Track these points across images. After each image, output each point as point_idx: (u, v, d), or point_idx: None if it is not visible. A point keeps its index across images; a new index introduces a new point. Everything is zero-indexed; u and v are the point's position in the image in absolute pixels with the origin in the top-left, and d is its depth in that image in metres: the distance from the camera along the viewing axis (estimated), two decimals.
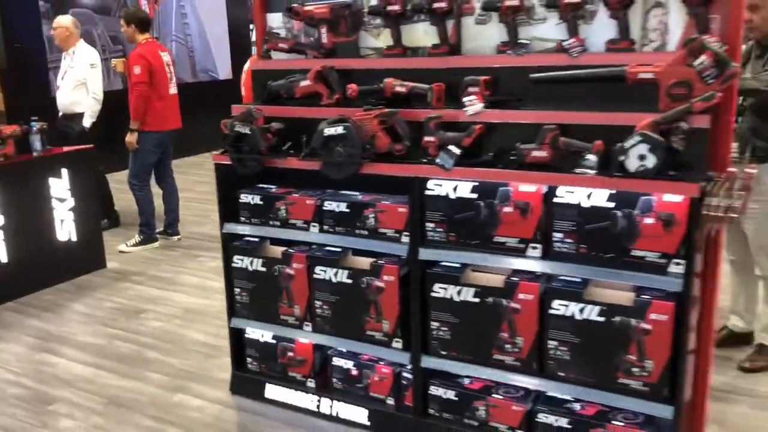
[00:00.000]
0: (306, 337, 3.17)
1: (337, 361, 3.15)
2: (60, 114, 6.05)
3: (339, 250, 3.06)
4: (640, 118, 2.33)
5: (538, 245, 2.57)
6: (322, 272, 3.02)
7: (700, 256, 2.47)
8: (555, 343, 2.59)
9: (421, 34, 2.98)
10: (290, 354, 3.23)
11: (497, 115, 2.63)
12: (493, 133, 2.66)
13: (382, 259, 2.90)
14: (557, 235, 2.54)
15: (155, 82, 5.57)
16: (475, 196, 2.64)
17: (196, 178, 8.27)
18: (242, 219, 3.20)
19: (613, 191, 2.41)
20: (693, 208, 2.27)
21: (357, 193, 3.00)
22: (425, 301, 2.80)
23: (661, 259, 2.37)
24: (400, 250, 2.82)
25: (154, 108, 5.61)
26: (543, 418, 2.68)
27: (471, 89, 2.70)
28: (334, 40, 3.11)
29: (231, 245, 3.26)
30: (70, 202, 5.02)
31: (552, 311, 2.57)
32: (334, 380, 3.17)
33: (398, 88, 2.85)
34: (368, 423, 3.05)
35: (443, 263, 2.80)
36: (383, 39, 3.07)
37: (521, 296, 2.61)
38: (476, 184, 2.63)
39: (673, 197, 2.31)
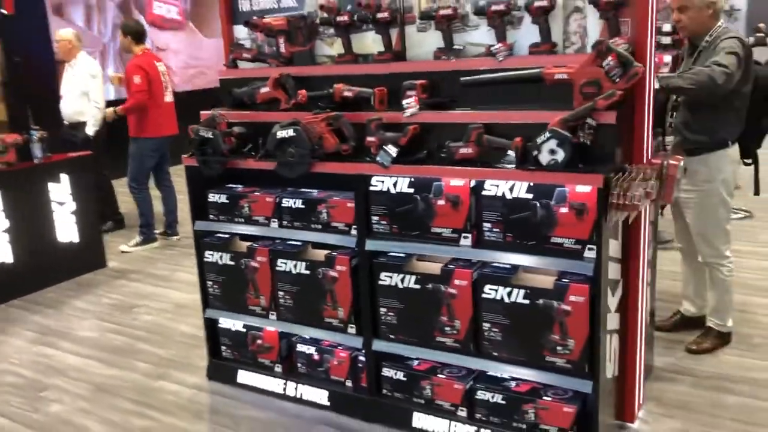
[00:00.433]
0: (272, 326, 3.42)
1: (300, 347, 3.39)
2: (65, 123, 6.38)
3: (300, 243, 3.30)
4: (554, 116, 2.54)
5: (468, 235, 2.79)
6: (283, 264, 3.27)
7: (615, 242, 2.67)
8: (488, 325, 2.80)
9: (370, 42, 3.21)
10: (259, 341, 3.48)
11: (430, 116, 2.86)
12: (429, 133, 2.88)
13: (336, 251, 3.13)
14: (486, 225, 2.76)
15: (152, 91, 5.86)
16: (412, 190, 2.87)
17: None
18: (211, 217, 3.45)
19: (532, 184, 2.62)
20: (600, 198, 2.47)
21: (313, 191, 3.24)
22: (374, 289, 3.04)
23: (576, 245, 2.58)
24: (350, 242, 3.06)
25: (151, 115, 5.90)
26: (481, 395, 2.89)
27: (409, 93, 2.92)
28: (291, 49, 3.35)
29: (202, 241, 3.52)
30: (71, 205, 5.33)
31: (484, 295, 2.78)
32: (299, 365, 3.41)
33: (346, 93, 3.08)
34: (328, 404, 3.28)
35: (390, 253, 3.03)
36: (336, 47, 3.30)
37: (457, 282, 2.83)
38: (413, 179, 2.86)
39: (583, 188, 2.51)
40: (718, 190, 3.39)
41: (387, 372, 3.13)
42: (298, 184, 3.24)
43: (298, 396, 3.36)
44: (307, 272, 3.20)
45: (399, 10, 3.08)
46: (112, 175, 6.80)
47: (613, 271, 2.68)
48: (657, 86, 2.98)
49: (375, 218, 2.98)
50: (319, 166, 3.02)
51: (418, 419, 3.03)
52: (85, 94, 6.22)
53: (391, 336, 3.06)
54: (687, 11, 3.25)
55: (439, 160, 2.81)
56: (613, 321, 2.74)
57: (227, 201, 3.37)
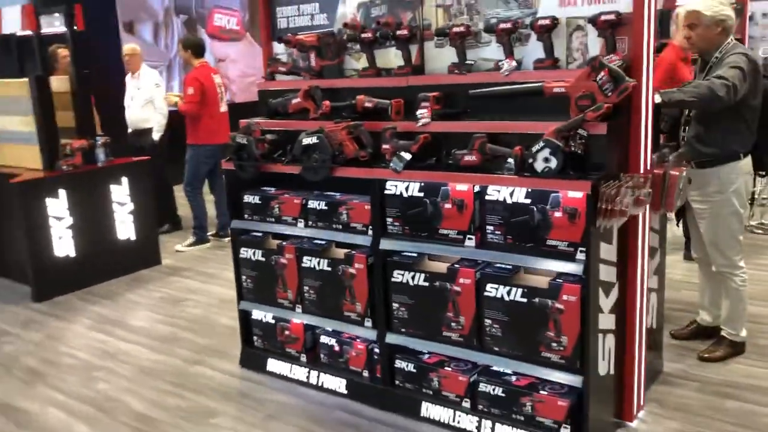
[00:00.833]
0: (298, 318, 3.69)
1: (323, 339, 3.65)
2: (130, 130, 6.90)
3: (324, 242, 3.56)
4: (550, 127, 2.72)
5: (473, 236, 3.00)
6: (308, 261, 3.54)
7: (609, 246, 2.82)
8: (490, 321, 3.00)
9: (392, 57, 3.46)
10: (286, 333, 3.76)
11: (440, 126, 3.09)
12: (439, 141, 3.10)
13: (355, 249, 3.39)
14: (489, 228, 2.96)
15: (207, 101, 6.28)
16: (422, 194, 3.10)
17: None
18: (246, 216, 3.77)
19: (529, 189, 2.81)
20: (589, 203, 2.64)
21: (336, 194, 3.50)
22: (387, 286, 3.27)
23: (569, 247, 2.75)
24: (368, 242, 3.31)
25: (206, 124, 6.32)
26: (483, 387, 3.08)
27: (423, 104, 3.16)
28: (321, 63, 3.64)
29: (239, 239, 3.83)
30: (130, 206, 5.77)
31: (486, 293, 2.98)
32: (321, 355, 3.67)
33: (367, 104, 3.34)
34: (346, 392, 3.53)
35: (403, 253, 3.26)
36: (362, 62, 3.57)
37: (461, 281, 3.04)
38: (423, 184, 3.09)
39: (575, 193, 2.69)
40: (730, 201, 3.48)
41: (399, 364, 3.35)
42: (322, 187, 3.51)
43: (320, 384, 3.62)
44: (329, 269, 3.46)
45: (418, 27, 3.33)
46: (172, 180, 7.27)
47: (607, 273, 2.83)
48: (659, 100, 3.13)
49: (389, 220, 3.22)
50: (340, 171, 3.28)
51: (426, 409, 3.24)
52: (149, 102, 6.74)
53: (403, 330, 3.28)
54: (696, 29, 3.37)
55: (446, 166, 3.03)
56: (607, 321, 2.88)
57: (260, 202, 3.68)
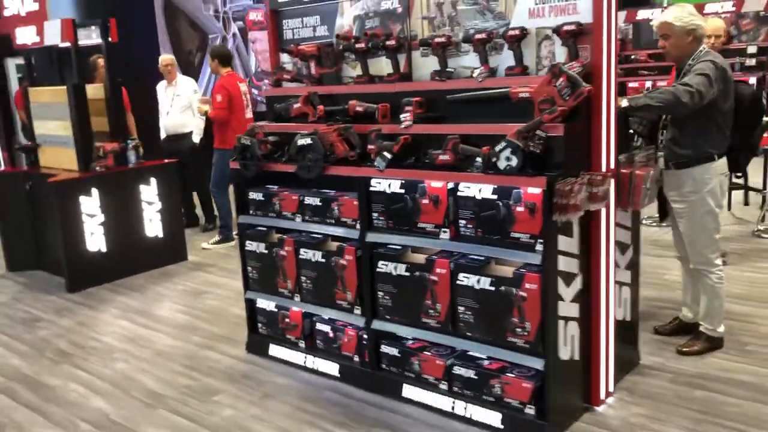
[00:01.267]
0: (296, 306, 3.99)
1: (319, 326, 3.94)
2: (165, 135, 7.36)
3: (320, 235, 3.85)
4: (513, 128, 2.96)
5: (447, 229, 3.25)
6: (305, 253, 3.84)
7: (568, 238, 3.03)
8: (462, 308, 3.24)
9: (384, 65, 3.74)
10: (286, 320, 4.06)
11: (419, 128, 3.36)
12: (419, 143, 3.37)
13: (346, 242, 3.67)
14: (461, 222, 3.21)
15: (234, 108, 6.65)
16: (403, 191, 3.36)
17: None
18: (251, 212, 4.09)
19: (495, 186, 3.05)
20: (545, 198, 2.86)
21: (330, 191, 3.79)
22: (373, 276, 3.54)
23: (531, 239, 2.98)
24: (356, 235, 3.59)
25: (233, 129, 6.65)
26: (457, 370, 3.32)
27: (407, 108, 3.43)
28: (321, 71, 3.94)
29: (245, 233, 4.16)
30: (158, 205, 6.17)
31: (458, 282, 3.23)
32: (318, 341, 3.96)
33: (358, 108, 3.63)
34: (338, 375, 3.80)
35: (388, 245, 3.53)
36: (358, 70, 3.86)
37: (438, 270, 3.29)
38: (403, 182, 3.36)
39: (533, 189, 2.92)
40: (705, 200, 3.64)
41: (384, 349, 3.62)
42: (318, 185, 3.80)
43: (316, 368, 3.90)
44: (323, 260, 3.75)
45: (406, 38, 3.61)
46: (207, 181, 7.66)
47: (566, 264, 3.04)
48: (626, 104, 3.34)
49: (375, 214, 3.50)
50: (331, 170, 3.57)
51: (407, 390, 3.49)
52: (188, 108, 7.21)
53: (387, 317, 3.55)
54: (669, 39, 3.56)
55: (423, 165, 3.29)
56: (568, 309, 3.09)
57: (263, 198, 3.99)
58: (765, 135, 4.05)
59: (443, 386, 3.39)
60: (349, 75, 3.94)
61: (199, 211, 7.78)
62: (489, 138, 3.10)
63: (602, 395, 3.35)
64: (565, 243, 3.01)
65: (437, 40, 3.41)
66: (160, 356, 4.33)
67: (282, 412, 3.52)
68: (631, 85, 9.08)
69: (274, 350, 4.12)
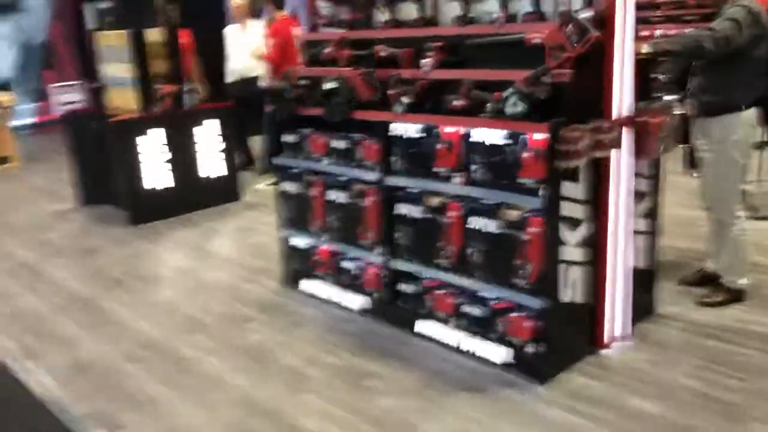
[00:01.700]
0: (324, 244, 4.21)
1: (344, 263, 4.14)
2: (233, 79, 7.56)
3: (346, 177, 4.02)
4: (522, 75, 3.01)
5: (459, 174, 3.35)
6: (332, 194, 4.02)
7: (574, 184, 3.09)
8: (472, 250, 3.37)
9: (412, 10, 3.81)
10: (316, 257, 4.29)
11: (438, 74, 3.43)
12: (437, 87, 3.45)
13: (368, 184, 3.82)
14: (473, 167, 3.30)
15: (287, 54, 6.81)
16: (419, 136, 3.47)
17: None
18: (285, 154, 4.29)
19: (505, 131, 3.12)
20: (549, 144, 2.92)
21: (355, 135, 3.93)
22: (392, 217, 3.70)
23: (536, 184, 3.05)
24: (376, 178, 3.73)
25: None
26: (465, 308, 3.47)
27: (428, 53, 3.51)
28: (353, 16, 4.04)
29: (280, 174, 4.37)
30: (215, 146, 6.48)
31: (468, 225, 3.34)
32: (343, 277, 4.17)
33: (382, 53, 3.73)
34: (360, 309, 4.02)
35: (406, 188, 3.66)
36: (388, 15, 3.94)
37: (450, 213, 3.42)
38: (420, 126, 3.46)
39: (538, 135, 2.98)
40: (730, 150, 3.59)
41: (401, 286, 3.79)
42: (345, 128, 3.95)
43: (340, 302, 4.13)
44: (348, 201, 3.93)
45: None
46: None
47: (571, 209, 3.10)
48: (647, 50, 3.30)
49: (393, 158, 3.63)
50: (355, 114, 3.71)
51: (420, 325, 3.67)
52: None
53: (404, 256, 3.71)
54: None
55: (439, 110, 3.39)
56: (572, 253, 3.17)
57: (295, 141, 4.18)
58: None
59: (452, 322, 3.55)
60: (380, 20, 4.02)
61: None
62: (504, 84, 3.16)
63: (607, 339, 3.43)
64: (569, 189, 3.07)
65: None
66: (204, 286, 4.66)
67: (305, 340, 3.78)
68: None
69: (305, 285, 4.37)
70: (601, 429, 2.86)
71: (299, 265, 4.44)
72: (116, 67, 6.41)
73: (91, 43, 6.91)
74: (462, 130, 3.30)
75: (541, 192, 3.02)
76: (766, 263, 4.28)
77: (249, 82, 7.42)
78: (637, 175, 3.44)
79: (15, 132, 9.51)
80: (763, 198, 5.12)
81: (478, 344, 3.41)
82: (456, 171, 3.36)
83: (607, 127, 3.01)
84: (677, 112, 3.54)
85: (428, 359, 3.48)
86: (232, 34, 7.60)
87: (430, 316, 3.66)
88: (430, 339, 3.62)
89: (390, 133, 3.60)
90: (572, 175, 3.07)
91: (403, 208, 3.63)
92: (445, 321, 3.58)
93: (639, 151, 3.30)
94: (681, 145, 3.98)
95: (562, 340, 3.24)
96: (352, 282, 4.11)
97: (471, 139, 3.27)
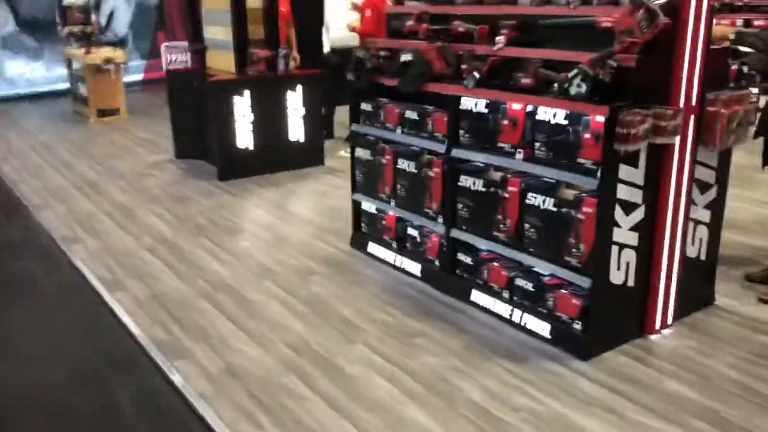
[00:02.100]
0: (392, 211, 4.39)
1: (409, 230, 4.32)
2: (331, 48, 7.80)
3: (416, 147, 4.17)
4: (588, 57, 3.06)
5: (522, 150, 3.44)
6: (402, 163, 4.20)
7: (632, 168, 3.12)
8: (528, 225, 3.47)
9: None
10: (383, 222, 4.49)
11: (509, 51, 3.52)
12: (508, 65, 3.54)
13: (436, 155, 3.97)
14: (537, 144, 3.39)
15: (381, 25, 6.99)
16: (486, 111, 3.58)
17: None
18: (361, 121, 4.49)
19: (568, 111, 3.19)
20: (606, 127, 2.97)
21: (428, 107, 4.07)
22: (455, 189, 3.84)
23: (593, 165, 3.11)
24: (444, 149, 3.87)
25: None
26: (518, 282, 3.58)
27: (502, 31, 3.60)
28: None
29: (355, 140, 4.58)
30: (302, 111, 6.77)
31: (527, 201, 3.44)
32: (407, 243, 4.35)
33: (459, 29, 3.85)
34: (420, 275, 4.19)
35: (471, 161, 3.78)
36: None
37: (510, 188, 3.52)
38: (488, 101, 3.57)
39: (600, 117, 3.03)
40: None
41: (460, 256, 3.94)
42: (417, 100, 4.09)
43: (402, 267, 4.32)
44: (415, 171, 4.09)
45: None
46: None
47: (628, 193, 3.14)
48: (733, 37, 3.27)
49: (461, 131, 3.75)
50: (428, 86, 3.85)
51: (474, 295, 3.81)
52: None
53: (464, 227, 3.85)
54: None
55: (507, 87, 3.48)
56: (625, 236, 3.21)
57: (371, 110, 4.37)
58: None
59: (505, 295, 3.67)
60: None
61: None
62: (571, 65, 3.22)
63: (657, 325, 3.46)
64: (627, 172, 3.11)
65: None
66: (279, 240, 4.96)
67: (361, 297, 4.00)
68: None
69: (372, 248, 4.58)
70: (635, 407, 2.93)
71: (368, 229, 4.66)
72: (217, 30, 6.77)
73: (199, 7, 7.34)
74: (528, 107, 3.39)
75: (598, 173, 3.08)
76: None
77: (347, 53, 7.62)
78: (703, 164, 3.43)
79: (125, 87, 10.18)
80: None
81: (528, 317, 3.52)
82: (519, 147, 3.46)
83: (669, 114, 3.03)
84: (753, 103, 3.48)
85: (478, 327, 3.63)
86: (331, 3, 7.84)
87: (485, 286, 3.79)
88: (483, 308, 3.76)
89: (460, 107, 3.72)
90: (632, 159, 3.11)
91: (466, 181, 3.76)
92: (498, 292, 3.71)
93: (705, 140, 3.29)
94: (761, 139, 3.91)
95: (609, 320, 3.31)
96: (414, 248, 4.29)
97: (536, 117, 3.35)
